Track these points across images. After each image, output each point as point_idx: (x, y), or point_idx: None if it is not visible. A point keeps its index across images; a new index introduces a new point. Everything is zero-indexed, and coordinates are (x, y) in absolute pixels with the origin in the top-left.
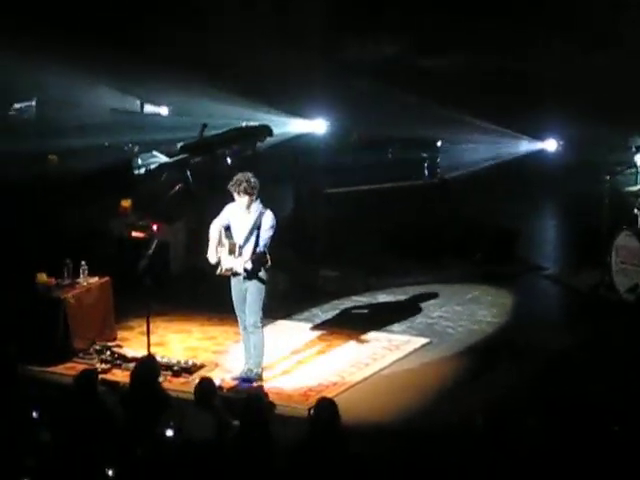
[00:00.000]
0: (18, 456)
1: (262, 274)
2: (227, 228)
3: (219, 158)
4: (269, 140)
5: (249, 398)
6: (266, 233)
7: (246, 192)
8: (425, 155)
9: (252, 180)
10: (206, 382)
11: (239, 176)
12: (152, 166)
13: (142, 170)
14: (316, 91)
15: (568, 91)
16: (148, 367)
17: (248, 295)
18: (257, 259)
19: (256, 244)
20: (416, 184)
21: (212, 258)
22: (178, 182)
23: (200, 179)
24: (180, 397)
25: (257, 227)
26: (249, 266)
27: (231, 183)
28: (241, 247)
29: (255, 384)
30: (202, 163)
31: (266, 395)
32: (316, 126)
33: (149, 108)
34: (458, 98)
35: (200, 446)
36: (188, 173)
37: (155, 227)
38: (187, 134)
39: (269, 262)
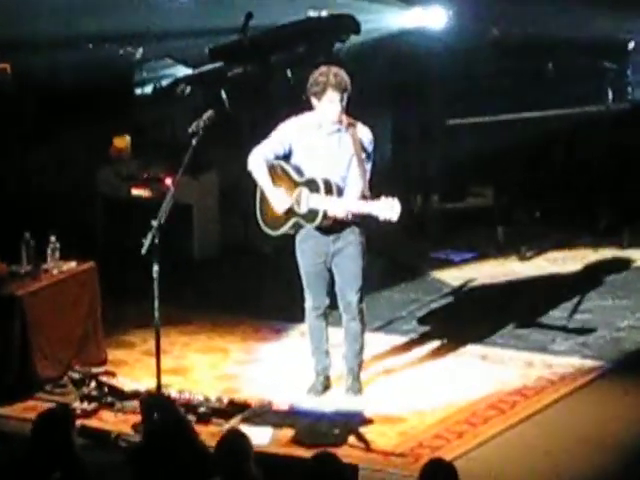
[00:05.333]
0: None
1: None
2: (287, 160)
3: (274, 70)
4: (353, 40)
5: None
6: (371, 156)
7: (345, 92)
8: (608, 65)
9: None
10: (236, 436)
11: (328, 68)
12: (164, 81)
13: (148, 88)
14: None
15: None
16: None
17: (347, 257)
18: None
19: (358, 177)
20: (594, 111)
21: (281, 205)
22: (207, 108)
23: (243, 102)
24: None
25: (361, 150)
26: (382, 211)
27: (319, 79)
28: (339, 186)
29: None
30: (247, 77)
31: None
32: (431, 17)
33: None
34: None
35: None
36: (223, 93)
37: (169, 181)
38: (222, 29)
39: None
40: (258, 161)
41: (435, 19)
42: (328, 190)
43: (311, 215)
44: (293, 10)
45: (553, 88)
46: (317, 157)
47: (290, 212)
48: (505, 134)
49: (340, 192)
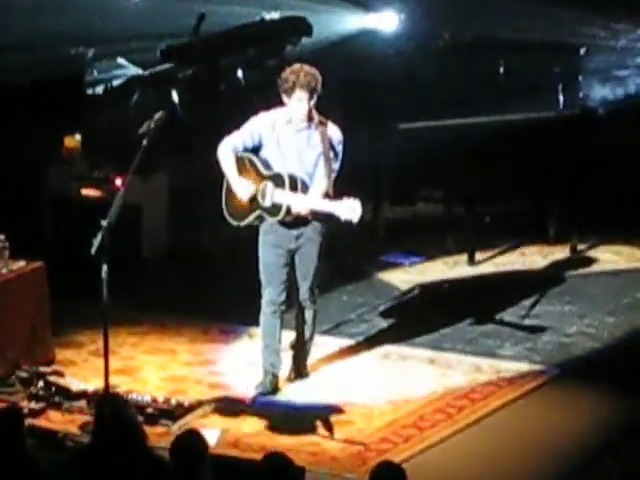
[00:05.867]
0: None
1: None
2: (255, 153)
3: (225, 71)
4: (305, 42)
5: None
6: (339, 156)
7: (314, 91)
8: (559, 70)
9: (319, 76)
10: (191, 437)
11: (299, 66)
12: (115, 82)
13: (99, 88)
14: None
15: None
16: (121, 408)
17: (307, 255)
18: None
19: (324, 175)
20: (545, 116)
21: (245, 193)
22: (158, 109)
23: (194, 104)
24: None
25: (328, 149)
26: (344, 212)
27: (288, 77)
28: (304, 182)
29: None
30: (198, 78)
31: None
32: (383, 21)
33: None
34: None
35: None
36: (174, 94)
37: (119, 181)
38: (174, 30)
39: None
40: (227, 151)
41: (387, 23)
42: (293, 186)
43: (274, 209)
44: (246, 12)
45: (504, 92)
46: (285, 153)
47: (254, 204)
48: (456, 139)
49: (305, 189)
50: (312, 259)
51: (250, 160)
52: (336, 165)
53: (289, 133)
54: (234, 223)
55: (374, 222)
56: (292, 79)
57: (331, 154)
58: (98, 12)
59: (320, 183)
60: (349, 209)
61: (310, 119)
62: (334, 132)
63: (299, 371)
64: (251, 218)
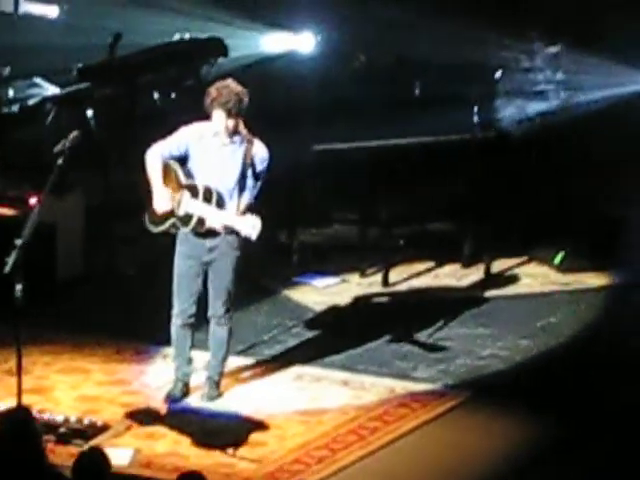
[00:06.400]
0: None
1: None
2: (182, 162)
3: (140, 90)
4: (221, 63)
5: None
6: (262, 174)
7: (237, 111)
8: (474, 92)
9: (245, 94)
10: (93, 455)
11: (225, 83)
12: (31, 101)
13: (15, 107)
14: None
15: None
16: (22, 425)
17: (220, 268)
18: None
19: (243, 191)
20: (457, 139)
21: (162, 204)
22: (73, 128)
23: (109, 123)
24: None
25: (249, 166)
26: (244, 227)
27: (210, 94)
28: (221, 195)
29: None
30: (113, 98)
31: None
32: (299, 42)
33: (28, 6)
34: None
35: None
36: (90, 113)
37: (33, 200)
38: (89, 50)
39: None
40: (154, 157)
41: (304, 44)
42: (207, 198)
43: (186, 218)
44: (161, 32)
45: (420, 114)
46: (208, 165)
47: (170, 212)
48: (371, 160)
49: (220, 202)
50: (226, 273)
51: (174, 169)
52: (257, 183)
53: (214, 146)
54: (151, 229)
55: (289, 243)
56: (211, 96)
57: (250, 171)
58: (15, 28)
59: (236, 198)
60: (249, 225)
61: (234, 134)
62: (259, 150)
63: (211, 393)
64: (167, 225)
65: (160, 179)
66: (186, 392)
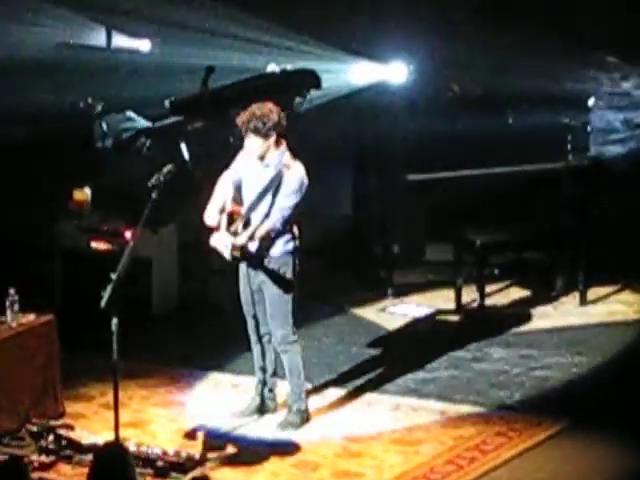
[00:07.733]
0: None
1: (288, 271)
2: (238, 188)
3: (233, 124)
4: (314, 94)
5: None
6: (286, 200)
7: (256, 131)
8: (569, 122)
9: (272, 114)
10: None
11: (253, 107)
12: (125, 135)
13: (108, 141)
14: (392, 20)
15: None
16: (119, 460)
17: (267, 296)
18: (265, 238)
19: (267, 214)
20: (553, 168)
21: (216, 243)
22: (167, 162)
23: (203, 157)
24: None
25: (275, 188)
26: (218, 245)
27: (240, 116)
28: (246, 217)
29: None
30: (207, 131)
31: None
32: (391, 72)
33: (121, 41)
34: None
35: None
36: (183, 147)
37: (128, 234)
38: (182, 84)
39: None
40: (222, 182)
41: (395, 74)
42: (229, 223)
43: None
44: (254, 64)
45: (513, 143)
46: (249, 186)
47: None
48: (466, 189)
49: (245, 226)
50: (272, 296)
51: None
52: (284, 208)
53: (257, 168)
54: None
55: (386, 277)
56: (243, 122)
57: (271, 196)
58: (109, 68)
59: (260, 222)
60: (222, 244)
61: (266, 157)
62: (291, 177)
63: (287, 419)
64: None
65: (218, 202)
66: (262, 403)
